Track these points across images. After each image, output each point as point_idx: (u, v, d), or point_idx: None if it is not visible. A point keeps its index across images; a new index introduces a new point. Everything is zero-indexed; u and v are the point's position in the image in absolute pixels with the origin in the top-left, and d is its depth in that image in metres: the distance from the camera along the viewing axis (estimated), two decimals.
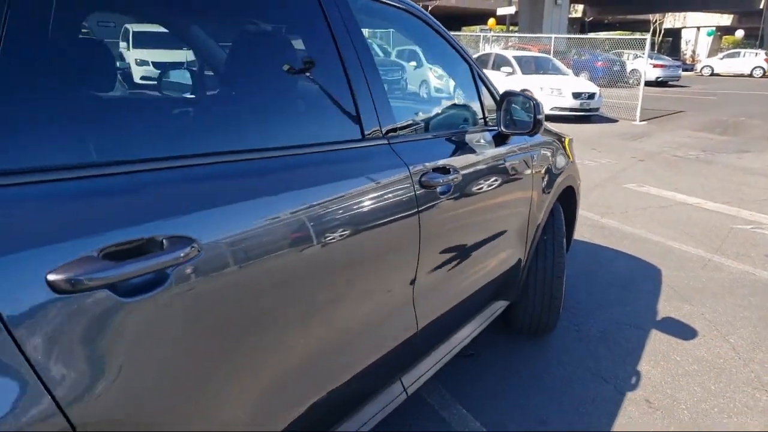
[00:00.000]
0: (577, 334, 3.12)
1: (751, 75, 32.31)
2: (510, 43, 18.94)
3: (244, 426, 1.21)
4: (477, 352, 2.85)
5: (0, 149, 0.89)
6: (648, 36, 14.44)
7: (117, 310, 0.94)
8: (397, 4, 1.97)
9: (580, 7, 60.90)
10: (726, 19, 63.26)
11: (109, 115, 1.25)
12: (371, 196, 1.51)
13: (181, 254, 1.01)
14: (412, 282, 1.75)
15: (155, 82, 2.07)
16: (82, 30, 1.34)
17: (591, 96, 12.43)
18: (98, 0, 1.29)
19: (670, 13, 64.25)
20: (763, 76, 31.81)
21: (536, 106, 2.21)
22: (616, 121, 13.12)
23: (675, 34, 68.94)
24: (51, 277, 0.86)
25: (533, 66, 13.35)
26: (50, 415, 0.85)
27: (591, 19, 62.58)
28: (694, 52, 65.41)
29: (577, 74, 14.87)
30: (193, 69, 1.93)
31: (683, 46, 68.21)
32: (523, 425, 2.34)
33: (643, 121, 12.90)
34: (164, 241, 1.00)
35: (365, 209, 1.49)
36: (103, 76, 1.45)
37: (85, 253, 0.90)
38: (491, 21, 28.50)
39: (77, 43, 1.28)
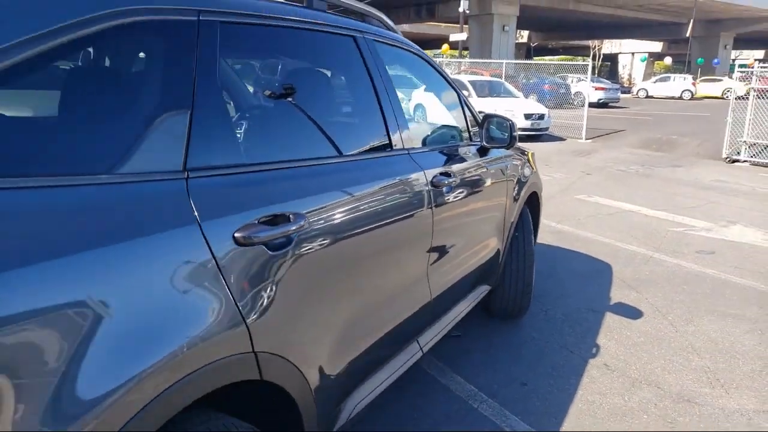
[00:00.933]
0: (545, 316, 3.68)
1: (680, 97, 34.62)
2: (462, 68, 19.90)
3: (337, 344, 1.69)
4: (463, 334, 3.36)
5: (223, 154, 1.37)
6: (590, 61, 15.59)
7: (267, 259, 1.40)
8: (407, 48, 2.51)
9: (525, 33, 63.62)
10: (657, 46, 67.33)
11: (267, 134, 1.77)
12: (401, 189, 2.03)
13: (300, 225, 1.49)
14: (427, 260, 2.25)
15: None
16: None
17: (541, 117, 13.33)
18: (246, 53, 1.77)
19: (607, 40, 67.89)
20: (691, 98, 34.14)
21: (512, 126, 2.78)
22: (564, 139, 14.07)
23: (613, 59, 72.77)
24: (236, 234, 1.32)
25: (487, 89, 14.21)
26: (237, 324, 1.30)
27: (536, 44, 65.44)
28: (630, 75, 69.15)
29: (526, 97, 15.85)
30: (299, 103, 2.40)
31: (620, 70, 72.05)
32: (509, 387, 2.85)
33: (589, 139, 13.90)
34: (290, 215, 1.48)
35: (399, 199, 2.00)
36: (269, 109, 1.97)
37: (251, 221, 1.37)
38: (445, 47, 29.63)
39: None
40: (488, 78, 15.98)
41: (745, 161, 10.72)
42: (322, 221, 1.60)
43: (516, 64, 20.80)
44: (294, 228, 1.47)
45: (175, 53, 1.35)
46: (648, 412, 2.68)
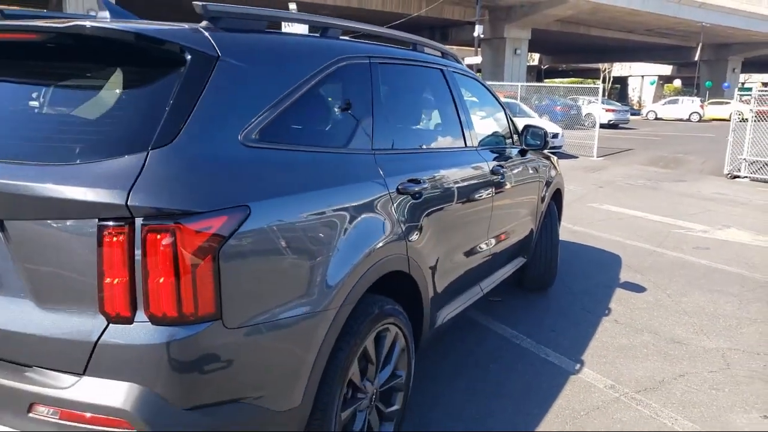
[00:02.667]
0: (568, 290, 4.59)
1: (689, 119, 35.50)
2: None
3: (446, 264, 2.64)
4: (503, 300, 4.27)
5: (388, 142, 2.34)
6: (600, 84, 16.60)
7: (411, 202, 2.34)
8: (471, 76, 3.48)
9: (536, 56, 64.93)
10: (666, 69, 68.34)
11: (404, 131, 2.72)
12: (474, 171, 2.98)
13: (424, 186, 2.43)
14: (488, 224, 3.19)
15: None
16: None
17: (555, 135, 14.26)
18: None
19: (617, 63, 69.09)
20: (700, 120, 35.02)
21: (545, 133, 3.73)
22: (577, 157, 15.01)
23: (622, 81, 73.78)
24: (398, 186, 2.27)
25: None
26: (400, 235, 2.23)
27: (547, 66, 66.73)
28: (640, 98, 70.00)
29: (539, 117, 16.84)
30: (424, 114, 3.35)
31: (630, 92, 72.99)
32: (542, 332, 3.75)
33: (600, 157, 14.83)
34: (420, 179, 2.43)
35: (473, 177, 2.95)
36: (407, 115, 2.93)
37: (404, 180, 2.32)
38: None
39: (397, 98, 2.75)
40: (504, 99, 17.00)
41: (745, 177, 11.58)
42: (434, 185, 2.55)
43: (529, 86, 21.87)
44: (421, 187, 2.42)
45: (363, 81, 2.32)
46: (647, 347, 3.58)
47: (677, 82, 62.94)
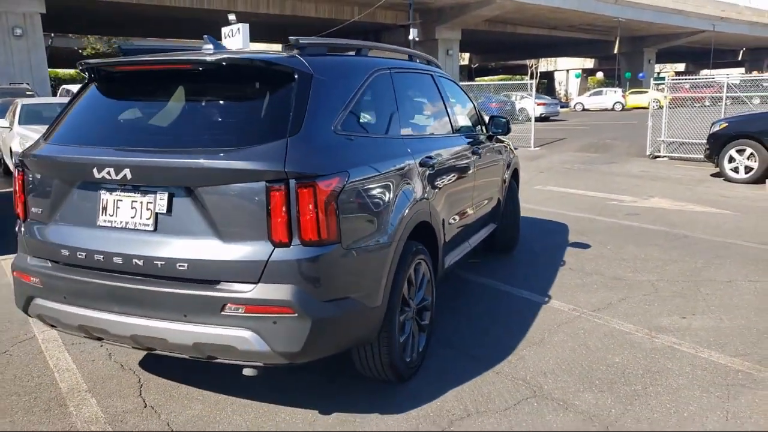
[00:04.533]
0: (529, 250, 5.61)
1: (613, 108, 38.10)
2: None
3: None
4: (480, 261, 5.22)
5: (409, 129, 3.25)
6: (530, 80, 17.98)
7: (428, 173, 3.22)
8: (449, 78, 4.40)
9: (466, 55, 67.23)
10: (589, 63, 72.15)
11: (416, 121, 3.59)
12: (462, 150, 3.90)
13: (434, 161, 3.33)
14: (472, 192, 4.11)
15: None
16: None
17: None
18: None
19: (543, 59, 72.40)
20: (623, 109, 37.66)
21: (508, 122, 4.70)
22: (516, 148, 16.26)
23: (549, 76, 77.31)
24: (419, 161, 3.15)
25: None
26: (425, 195, 3.11)
27: (477, 65, 69.30)
28: (566, 91, 73.58)
29: None
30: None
31: (557, 86, 76.59)
32: (515, 279, 4.72)
33: (537, 147, 16.19)
34: (431, 156, 3.31)
35: (461, 155, 3.87)
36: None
37: (423, 157, 3.20)
38: None
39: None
40: None
41: (664, 156, 13.12)
42: (440, 160, 3.45)
43: (462, 85, 23.18)
44: (434, 161, 3.32)
45: (388, 86, 3.19)
46: (596, 284, 4.61)
47: (600, 75, 66.64)
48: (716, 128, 9.96)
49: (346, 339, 2.54)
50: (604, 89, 43.30)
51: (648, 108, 14.60)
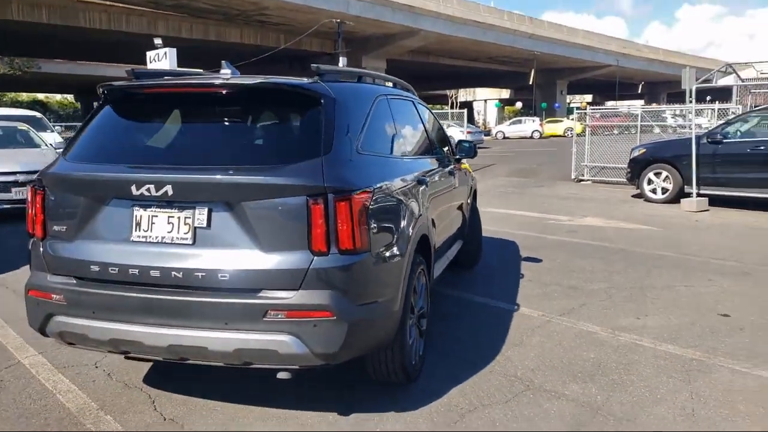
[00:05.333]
0: (489, 266, 6.01)
1: (531, 136, 40.29)
2: None
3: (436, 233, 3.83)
4: (446, 275, 5.55)
5: (403, 150, 3.53)
6: (456, 110, 18.85)
7: (424, 191, 3.51)
8: (424, 104, 4.75)
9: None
10: (506, 93, 75.90)
11: (407, 141, 3.86)
12: (444, 173, 4.23)
13: (426, 179, 3.63)
14: (449, 209, 4.44)
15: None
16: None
17: None
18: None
19: (463, 89, 75.49)
20: (540, 137, 39.92)
21: (474, 145, 5.10)
22: None
23: (468, 105, 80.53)
24: (417, 179, 3.43)
25: None
26: (425, 208, 3.40)
27: None
28: (484, 120, 76.88)
29: None
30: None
31: (476, 115, 79.94)
32: (483, 290, 5.07)
33: None
34: (425, 174, 3.62)
35: (442, 174, 4.20)
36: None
37: (419, 174, 3.49)
38: None
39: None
40: None
41: (588, 180, 14.15)
42: (431, 178, 3.75)
43: None
44: (427, 180, 3.62)
45: (386, 111, 3.47)
46: (556, 292, 5.04)
47: (519, 104, 70.23)
48: (636, 153, 10.95)
49: (374, 340, 2.75)
50: (523, 118, 45.83)
51: (563, 136, 15.76)
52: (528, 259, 6.29)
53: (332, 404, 3.05)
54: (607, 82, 64.25)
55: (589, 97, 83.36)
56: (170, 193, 2.49)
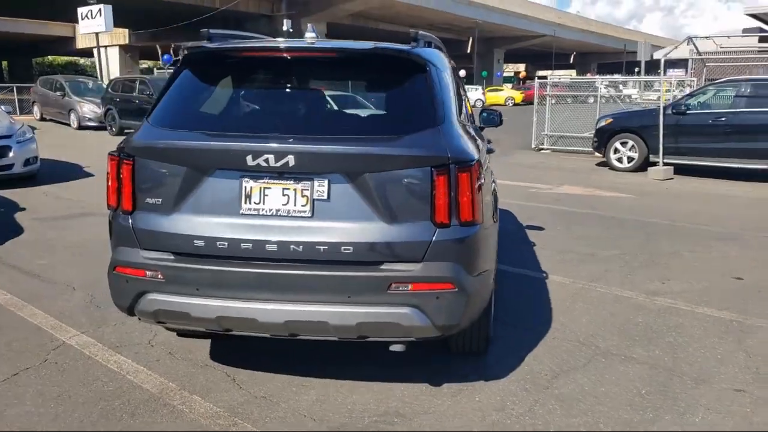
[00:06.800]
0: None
1: (475, 105, 40.73)
2: None
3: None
4: None
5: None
6: None
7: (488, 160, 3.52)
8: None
9: None
10: None
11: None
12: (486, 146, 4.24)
13: (489, 148, 3.62)
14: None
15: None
16: None
17: None
18: None
19: None
20: (482, 106, 40.51)
21: (500, 114, 5.11)
22: None
23: None
24: (486, 149, 3.43)
25: None
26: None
27: None
28: None
29: None
30: None
31: None
32: (507, 260, 5.17)
33: None
34: (490, 146, 3.61)
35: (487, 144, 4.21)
36: None
37: (486, 146, 3.49)
38: None
39: None
40: None
41: (547, 149, 14.55)
42: (488, 147, 3.75)
43: None
44: (489, 149, 3.60)
45: (452, 77, 3.41)
46: (573, 259, 5.22)
47: (462, 72, 70.65)
48: (602, 123, 11.34)
49: (480, 310, 2.76)
50: (468, 86, 46.22)
51: (504, 105, 16.10)
52: (530, 227, 6.44)
53: (417, 376, 3.06)
54: (541, 52, 65.79)
55: (522, 67, 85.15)
56: (291, 164, 2.36)
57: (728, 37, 15.07)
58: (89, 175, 9.72)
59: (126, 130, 16.61)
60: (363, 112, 2.66)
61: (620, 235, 6.12)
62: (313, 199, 2.43)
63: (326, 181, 2.42)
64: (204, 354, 3.28)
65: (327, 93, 2.70)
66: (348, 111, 2.64)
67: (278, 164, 2.37)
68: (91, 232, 5.98)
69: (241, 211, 2.47)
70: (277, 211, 2.45)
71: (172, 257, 2.54)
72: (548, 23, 56.70)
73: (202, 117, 2.64)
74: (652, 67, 22.28)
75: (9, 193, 7.71)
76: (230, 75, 2.76)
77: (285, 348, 3.31)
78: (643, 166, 10.60)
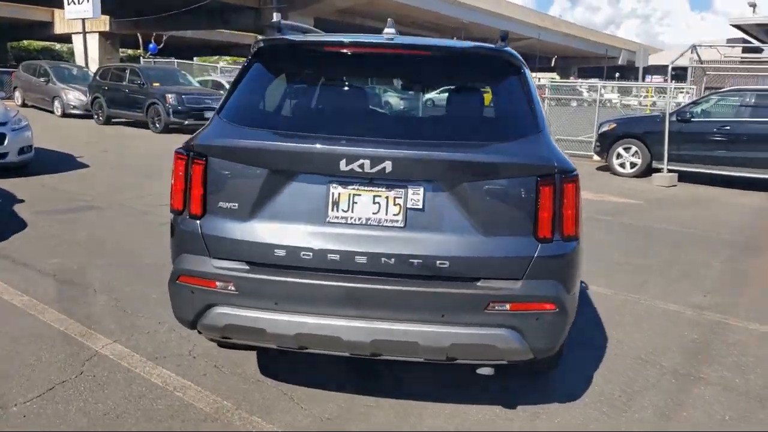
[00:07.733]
0: None
1: None
2: None
3: None
4: None
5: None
6: None
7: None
8: None
9: None
10: None
11: None
12: None
13: None
14: None
15: None
16: None
17: None
18: None
19: None
20: None
21: None
22: None
23: None
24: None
25: None
26: None
27: None
28: None
29: None
30: None
31: None
32: None
33: None
34: None
35: None
36: None
37: None
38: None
39: None
40: None
41: None
42: None
43: None
44: None
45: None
46: (609, 269, 5.09)
47: None
48: (606, 128, 11.29)
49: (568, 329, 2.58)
50: None
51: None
52: None
53: (483, 397, 2.87)
54: (523, 54, 65.99)
55: None
56: (388, 170, 2.15)
57: (732, 46, 15.19)
58: (84, 165, 9.31)
59: (113, 120, 16.11)
60: (458, 115, 2.45)
61: (646, 244, 6.03)
62: (407, 208, 2.23)
63: (421, 189, 2.22)
64: (252, 368, 3.06)
65: (418, 94, 2.50)
66: (442, 114, 2.44)
67: (374, 170, 2.16)
68: (99, 228, 5.67)
69: (327, 219, 2.25)
70: (367, 220, 2.24)
71: (247, 267, 2.31)
72: (533, 26, 57.01)
73: (280, 115, 2.41)
74: (631, 72, 22.52)
75: (4, 184, 7.30)
76: (311, 71, 2.54)
77: (334, 362, 3.09)
78: (645, 172, 10.58)
